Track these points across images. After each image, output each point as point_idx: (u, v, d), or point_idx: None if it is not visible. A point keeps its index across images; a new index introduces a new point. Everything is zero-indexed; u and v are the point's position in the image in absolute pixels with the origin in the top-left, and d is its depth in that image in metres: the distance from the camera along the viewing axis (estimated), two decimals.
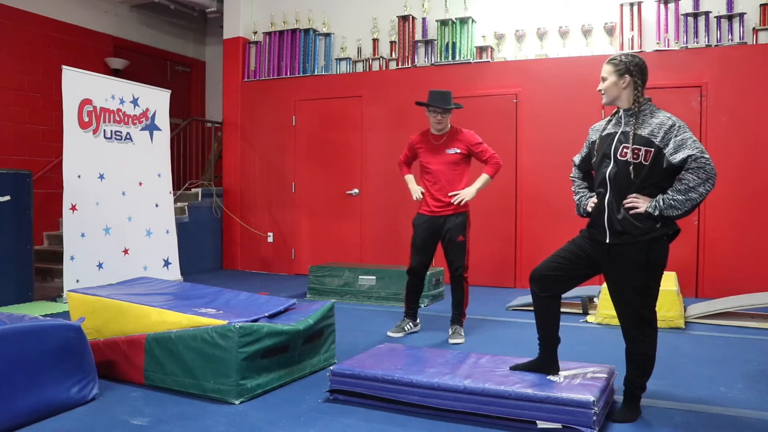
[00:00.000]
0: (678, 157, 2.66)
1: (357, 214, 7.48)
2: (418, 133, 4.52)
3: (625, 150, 2.76)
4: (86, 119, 5.92)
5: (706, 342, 4.31)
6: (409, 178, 4.58)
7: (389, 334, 4.47)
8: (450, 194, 4.27)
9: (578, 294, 5.31)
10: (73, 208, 5.72)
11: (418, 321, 4.67)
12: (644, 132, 2.73)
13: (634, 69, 2.80)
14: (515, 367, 3.02)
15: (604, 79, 2.88)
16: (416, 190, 4.43)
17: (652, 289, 2.81)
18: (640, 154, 2.72)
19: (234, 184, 8.27)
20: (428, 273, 5.61)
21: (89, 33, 8.24)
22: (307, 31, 7.79)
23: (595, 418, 2.56)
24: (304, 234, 7.84)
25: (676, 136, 2.68)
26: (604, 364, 3.14)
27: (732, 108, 6.00)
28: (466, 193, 4.27)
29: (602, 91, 2.90)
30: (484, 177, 4.33)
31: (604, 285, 4.95)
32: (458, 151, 4.30)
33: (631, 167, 2.73)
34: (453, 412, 2.81)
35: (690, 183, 2.64)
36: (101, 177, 6.02)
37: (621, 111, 2.86)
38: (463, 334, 4.34)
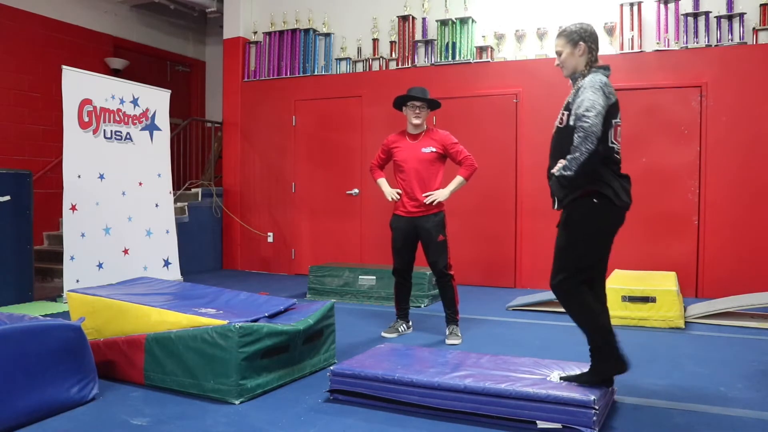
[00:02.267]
0: (573, 118, 2.69)
1: (357, 214, 7.48)
2: (394, 133, 4.53)
3: (559, 117, 2.85)
4: (86, 119, 5.92)
5: (706, 342, 4.31)
6: (382, 182, 4.55)
7: (383, 334, 4.48)
8: (424, 195, 4.27)
9: None
10: (73, 208, 5.72)
11: (410, 323, 4.67)
12: (570, 97, 2.79)
13: (586, 35, 2.84)
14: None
15: (559, 54, 2.91)
16: (391, 192, 4.41)
17: (573, 250, 2.82)
18: (564, 118, 2.78)
19: (234, 184, 8.27)
20: (428, 273, 5.63)
21: (89, 33, 8.24)
22: (307, 31, 7.79)
23: (595, 418, 2.56)
24: (304, 234, 7.84)
25: (579, 96, 2.69)
26: None
27: (732, 108, 6.00)
28: (440, 194, 4.26)
29: (560, 65, 2.93)
30: (458, 179, 4.32)
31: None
32: (434, 150, 4.30)
33: (558, 132, 2.83)
34: (453, 412, 2.81)
35: (574, 142, 2.64)
36: (101, 177, 6.02)
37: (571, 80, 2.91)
38: (459, 334, 4.34)
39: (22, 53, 7.42)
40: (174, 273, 6.75)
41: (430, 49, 7.23)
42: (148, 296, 3.74)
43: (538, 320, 4.97)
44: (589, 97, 2.65)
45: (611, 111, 2.73)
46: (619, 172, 2.86)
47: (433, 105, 4.38)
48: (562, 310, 5.53)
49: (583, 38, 2.83)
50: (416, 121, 4.32)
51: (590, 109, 2.62)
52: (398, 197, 4.38)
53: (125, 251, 6.19)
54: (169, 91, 6.99)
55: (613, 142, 2.77)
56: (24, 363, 2.73)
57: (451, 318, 4.39)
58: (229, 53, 8.31)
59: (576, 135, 2.63)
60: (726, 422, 2.80)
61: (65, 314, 4.69)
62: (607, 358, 2.78)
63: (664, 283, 4.96)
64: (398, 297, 4.55)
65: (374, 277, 5.85)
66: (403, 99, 4.36)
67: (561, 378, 2.85)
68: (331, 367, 3.12)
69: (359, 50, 7.57)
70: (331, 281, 6.04)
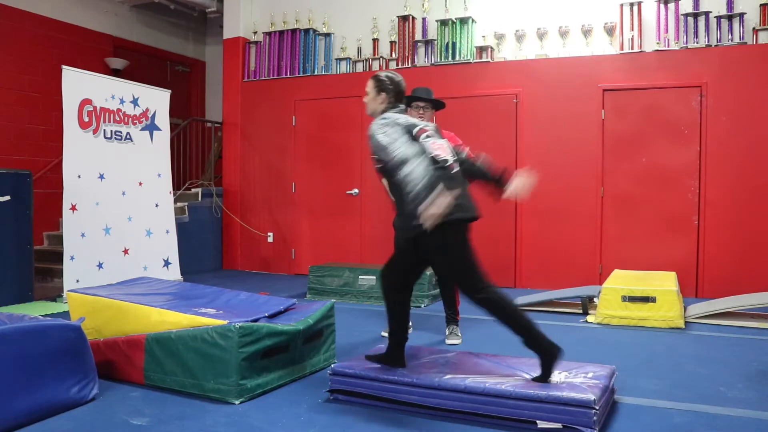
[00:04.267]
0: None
1: (357, 214, 7.48)
2: None
3: None
4: (86, 119, 5.92)
5: (706, 342, 4.31)
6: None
7: (383, 334, 4.47)
8: None
9: (578, 294, 5.31)
10: (73, 208, 5.72)
11: (411, 324, 4.66)
12: None
13: (389, 88, 3.15)
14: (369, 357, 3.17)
15: (367, 93, 3.21)
16: None
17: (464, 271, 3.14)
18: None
19: (234, 184, 8.27)
20: (428, 273, 5.63)
21: (89, 33, 8.24)
22: (307, 31, 7.79)
23: (595, 418, 2.56)
24: (304, 234, 7.84)
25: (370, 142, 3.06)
26: (604, 364, 3.14)
27: (732, 108, 6.00)
28: None
29: (365, 102, 3.22)
30: None
31: (604, 285, 4.95)
32: None
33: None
34: (453, 412, 2.81)
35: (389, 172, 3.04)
36: (101, 177, 6.02)
37: None
38: (459, 334, 4.34)
39: (22, 53, 7.41)
40: (174, 273, 6.75)
41: (430, 49, 7.22)
42: (148, 296, 3.74)
43: (538, 320, 4.92)
44: (373, 142, 3.02)
45: (408, 128, 3.01)
46: (454, 180, 2.97)
47: (437, 105, 4.38)
48: (563, 310, 5.53)
49: (386, 90, 3.15)
50: None
51: (377, 148, 2.99)
52: None
53: (125, 251, 6.19)
54: (169, 91, 6.99)
55: (433, 152, 2.93)
56: (24, 363, 2.73)
57: (452, 318, 4.39)
58: (229, 53, 8.31)
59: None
60: (726, 422, 2.80)
61: (65, 314, 4.69)
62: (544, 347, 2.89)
63: (664, 283, 4.95)
64: None
65: (374, 277, 5.85)
66: (407, 100, 4.36)
67: (533, 379, 2.86)
68: (331, 367, 3.12)
69: (359, 50, 7.57)
70: (331, 281, 6.04)
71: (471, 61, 6.95)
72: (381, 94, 3.17)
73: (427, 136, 2.96)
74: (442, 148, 2.95)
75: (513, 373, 2.94)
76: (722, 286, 5.88)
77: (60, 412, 2.86)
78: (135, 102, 6.46)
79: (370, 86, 3.20)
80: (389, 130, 2.99)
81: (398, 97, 3.18)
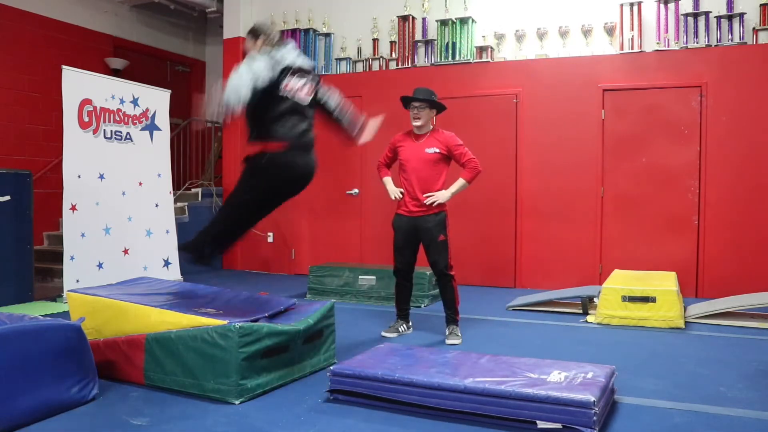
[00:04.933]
0: None
1: (357, 214, 7.48)
2: (401, 132, 4.53)
3: None
4: (86, 119, 5.92)
5: (706, 342, 4.31)
6: (387, 180, 4.55)
7: (383, 334, 4.48)
8: (425, 195, 4.26)
9: (578, 294, 5.31)
10: (73, 208, 5.72)
11: (410, 324, 4.67)
12: None
13: (262, 30, 3.52)
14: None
15: (247, 50, 3.55)
16: (395, 191, 4.43)
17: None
18: None
19: (234, 184, 8.25)
20: (428, 273, 5.63)
21: (89, 33, 8.24)
22: (307, 31, 7.79)
23: (595, 418, 2.56)
24: (304, 234, 7.84)
25: None
26: (604, 364, 3.14)
27: (732, 108, 6.00)
28: (441, 196, 4.25)
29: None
30: (460, 181, 4.31)
31: (604, 285, 4.94)
32: (437, 150, 4.29)
33: None
34: (453, 412, 2.81)
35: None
36: (101, 177, 6.02)
37: None
38: (459, 334, 4.34)
39: (22, 53, 7.41)
40: (174, 273, 6.75)
41: (430, 49, 7.22)
42: (148, 296, 3.74)
43: (538, 320, 4.97)
44: (231, 75, 3.24)
45: (275, 67, 3.34)
46: (293, 122, 3.62)
47: (435, 106, 4.38)
48: (563, 310, 5.54)
49: (256, 33, 3.51)
50: (416, 123, 4.33)
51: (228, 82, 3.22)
52: (401, 196, 4.39)
53: (125, 251, 6.19)
54: (169, 91, 6.99)
55: (283, 91, 3.40)
56: (24, 363, 2.73)
57: (451, 318, 4.39)
58: (229, 53, 8.29)
59: None
60: (726, 422, 2.80)
61: (65, 314, 4.68)
62: None
63: (664, 283, 4.96)
64: (399, 298, 4.56)
65: (374, 277, 5.85)
66: (405, 100, 4.37)
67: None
68: (331, 367, 3.12)
69: (359, 50, 7.57)
70: (331, 281, 6.04)
71: (471, 61, 6.95)
72: (258, 41, 3.47)
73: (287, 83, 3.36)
74: (301, 90, 3.44)
75: (513, 373, 2.93)
76: (722, 286, 5.88)
77: (60, 412, 2.86)
78: (135, 102, 6.46)
79: (248, 39, 3.54)
80: (247, 68, 3.25)
81: (266, 33, 3.49)
